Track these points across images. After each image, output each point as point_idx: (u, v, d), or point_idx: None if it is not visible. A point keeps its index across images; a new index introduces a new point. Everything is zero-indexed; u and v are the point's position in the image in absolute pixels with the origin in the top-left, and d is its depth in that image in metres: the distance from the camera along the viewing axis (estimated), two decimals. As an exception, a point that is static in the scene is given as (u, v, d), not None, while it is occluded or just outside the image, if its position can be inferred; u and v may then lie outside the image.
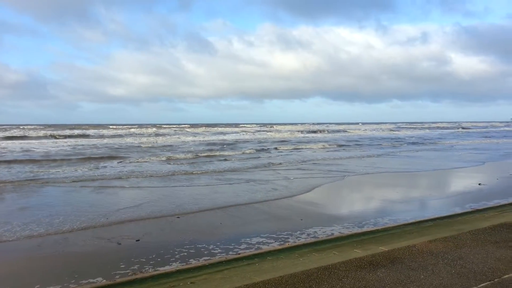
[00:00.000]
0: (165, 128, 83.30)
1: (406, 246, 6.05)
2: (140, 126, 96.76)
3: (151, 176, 15.61)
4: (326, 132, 70.81)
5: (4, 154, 25.31)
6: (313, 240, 6.99)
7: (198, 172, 16.63)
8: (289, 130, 75.34)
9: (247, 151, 27.69)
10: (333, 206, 10.63)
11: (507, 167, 18.38)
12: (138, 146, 32.93)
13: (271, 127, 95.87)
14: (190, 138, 47.13)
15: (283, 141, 41.32)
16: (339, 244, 6.42)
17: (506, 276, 4.73)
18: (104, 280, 5.30)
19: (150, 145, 34.36)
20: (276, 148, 30.92)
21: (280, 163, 20.16)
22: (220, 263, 5.70)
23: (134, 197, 11.51)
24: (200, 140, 42.70)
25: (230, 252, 6.50)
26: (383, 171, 17.05)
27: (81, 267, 5.94)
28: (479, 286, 4.48)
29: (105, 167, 18.62)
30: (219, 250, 6.63)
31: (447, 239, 6.42)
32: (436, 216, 8.71)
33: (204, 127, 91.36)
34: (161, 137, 48.70)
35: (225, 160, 21.64)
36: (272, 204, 10.44)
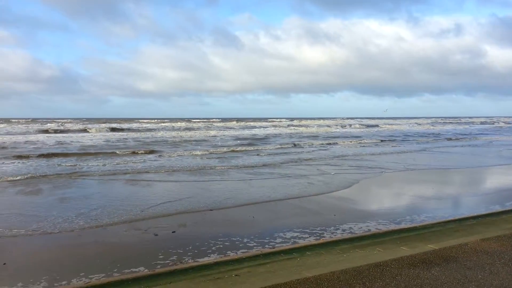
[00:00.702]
0: (195, 122, 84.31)
1: (458, 244, 5.90)
2: (171, 120, 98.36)
3: (184, 170, 15.84)
4: (357, 126, 69.70)
5: (40, 147, 26.34)
6: (350, 235, 6.90)
7: (230, 167, 16.74)
8: (318, 125, 74.66)
9: (279, 146, 27.63)
10: (367, 202, 10.46)
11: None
12: (170, 140, 33.51)
13: (300, 121, 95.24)
14: (220, 132, 47.50)
15: (314, 136, 40.94)
16: (380, 241, 6.31)
17: None
18: (146, 270, 5.44)
19: (181, 139, 34.91)
20: (307, 143, 30.69)
21: (313, 158, 20.00)
22: (257, 256, 5.71)
23: (168, 190, 11.72)
24: (231, 135, 42.97)
25: (266, 246, 6.50)
26: (421, 168, 16.55)
27: (121, 257, 6.10)
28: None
29: (139, 160, 19.04)
30: (254, 244, 6.65)
31: (501, 238, 6.22)
32: (477, 214, 8.41)
33: (235, 121, 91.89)
34: (191, 131, 49.33)
35: (257, 155, 21.65)
36: (304, 199, 10.37)
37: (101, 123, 73.40)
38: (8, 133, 41.98)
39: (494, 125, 79.07)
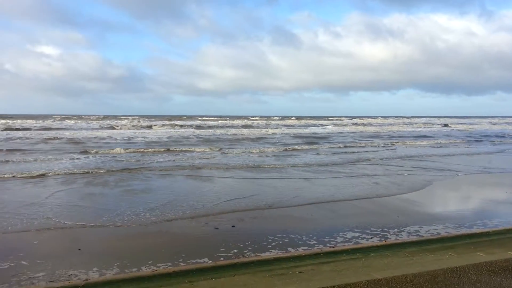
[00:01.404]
0: (253, 119, 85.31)
1: (546, 253, 5.41)
2: (230, 118, 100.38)
3: (245, 166, 16.07)
4: (426, 125, 66.32)
5: (109, 142, 28.13)
6: (417, 238, 6.59)
7: (290, 165, 16.72)
8: (380, 123, 72.12)
9: (341, 145, 27.09)
10: (433, 204, 9.92)
11: None
12: (232, 138, 34.27)
13: (361, 119, 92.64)
14: (279, 130, 47.66)
15: (380, 136, 39.46)
16: (451, 245, 5.97)
17: None
18: (210, 261, 5.60)
19: (242, 137, 35.55)
20: (373, 142, 29.73)
21: (378, 158, 19.37)
22: (317, 254, 5.64)
23: (228, 186, 12.01)
24: (292, 133, 42.94)
25: (327, 245, 6.41)
26: (497, 172, 15.31)
27: (185, 248, 6.34)
28: None
29: (205, 157, 19.66)
30: (314, 242, 6.60)
31: None
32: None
33: (294, 119, 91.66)
34: (251, 129, 49.98)
35: (317, 154, 21.36)
36: (368, 200, 10.05)
37: (165, 120, 76.72)
38: (80, 129, 45.41)
39: None
